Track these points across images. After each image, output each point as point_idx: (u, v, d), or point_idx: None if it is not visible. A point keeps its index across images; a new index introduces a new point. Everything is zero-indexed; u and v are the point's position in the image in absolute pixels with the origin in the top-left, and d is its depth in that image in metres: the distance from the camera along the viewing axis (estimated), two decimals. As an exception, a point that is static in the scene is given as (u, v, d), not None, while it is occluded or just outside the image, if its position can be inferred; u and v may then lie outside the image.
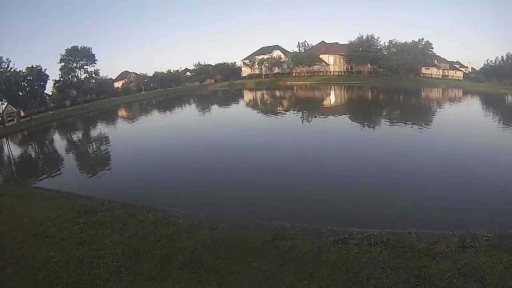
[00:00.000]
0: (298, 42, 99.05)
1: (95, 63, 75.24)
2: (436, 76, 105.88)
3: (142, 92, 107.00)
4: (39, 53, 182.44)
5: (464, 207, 13.16)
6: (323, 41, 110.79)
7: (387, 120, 36.37)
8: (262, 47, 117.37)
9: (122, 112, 64.89)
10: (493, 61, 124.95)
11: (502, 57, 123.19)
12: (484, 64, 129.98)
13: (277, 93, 74.64)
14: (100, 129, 44.56)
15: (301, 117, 39.50)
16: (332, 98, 63.28)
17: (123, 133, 38.10)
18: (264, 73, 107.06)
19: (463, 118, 39.71)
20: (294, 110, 46.52)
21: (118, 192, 14.99)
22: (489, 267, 6.72)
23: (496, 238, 8.59)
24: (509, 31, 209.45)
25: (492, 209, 12.94)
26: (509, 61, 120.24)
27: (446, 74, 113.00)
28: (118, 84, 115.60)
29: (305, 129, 31.42)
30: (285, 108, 48.90)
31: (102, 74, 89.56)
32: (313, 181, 16.07)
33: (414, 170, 17.70)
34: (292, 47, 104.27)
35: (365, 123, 33.68)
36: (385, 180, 16.15)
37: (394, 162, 19.30)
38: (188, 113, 54.08)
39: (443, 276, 6.29)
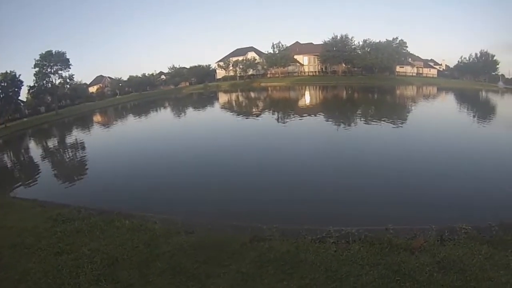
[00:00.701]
0: (273, 43, 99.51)
1: (70, 68, 73.75)
2: (411, 74, 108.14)
3: (117, 96, 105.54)
4: (12, 58, 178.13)
5: (442, 201, 13.39)
6: (297, 41, 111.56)
7: (363, 118, 36.84)
8: (237, 49, 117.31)
9: (97, 118, 63.97)
10: (467, 58, 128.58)
11: (476, 54, 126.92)
12: (458, 61, 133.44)
13: (252, 94, 74.89)
14: (76, 135, 43.65)
15: (276, 118, 39.77)
16: (307, 98, 63.93)
17: (98, 139, 37.53)
18: (238, 75, 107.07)
19: (438, 114, 40.75)
20: (269, 111, 46.77)
21: (94, 199, 14.88)
22: (468, 259, 6.87)
23: (474, 231, 8.79)
24: (482, 28, 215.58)
25: (469, 203, 13.35)
26: (483, 58, 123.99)
27: (421, 72, 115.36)
28: (93, 89, 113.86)
29: (280, 129, 31.60)
30: (259, 110, 49.02)
31: (76, 79, 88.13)
32: (289, 181, 16.18)
33: (390, 167, 18.00)
34: (267, 49, 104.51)
35: (341, 122, 33.88)
36: (361, 178, 16.33)
37: (369, 159, 19.53)
38: (162, 117, 53.85)
39: (422, 269, 6.35)
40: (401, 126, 30.67)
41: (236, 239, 7.98)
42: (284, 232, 8.44)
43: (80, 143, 35.10)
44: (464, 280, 6.22)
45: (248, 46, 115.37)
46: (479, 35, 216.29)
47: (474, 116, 39.69)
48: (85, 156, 28.07)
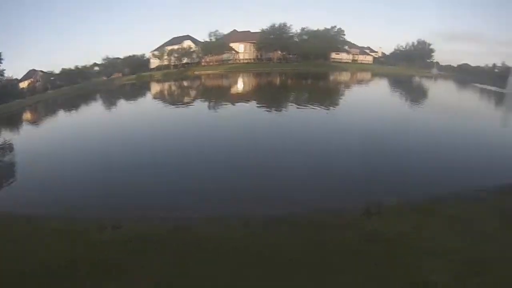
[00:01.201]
0: (210, 32, 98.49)
1: (1, 63, 69.43)
2: (346, 61, 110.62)
3: (48, 91, 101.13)
4: None
5: (369, 178, 14.16)
6: (234, 29, 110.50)
7: (293, 104, 37.25)
8: (173, 38, 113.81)
9: (26, 115, 60.44)
10: (404, 46, 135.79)
11: (413, 43, 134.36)
12: (395, 49, 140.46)
13: (185, 83, 73.10)
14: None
15: (207, 106, 39.29)
16: (240, 86, 63.74)
17: (26, 139, 34.78)
18: (173, 64, 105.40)
19: (368, 98, 43.02)
20: (200, 99, 46.21)
21: (21, 202, 13.91)
22: (394, 230, 7.47)
23: (400, 203, 9.63)
24: (424, 18, 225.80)
25: (395, 179, 14.31)
26: (420, 46, 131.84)
27: (356, 58, 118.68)
28: (24, 85, 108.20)
29: (210, 118, 30.91)
30: (191, 98, 48.28)
31: (7, 74, 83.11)
32: (215, 168, 16.16)
33: (316, 149, 18.67)
34: (204, 37, 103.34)
35: (271, 108, 33.87)
36: (287, 161, 16.58)
37: (295, 142, 20.04)
38: (92, 111, 50.79)
39: (351, 243, 6.84)
40: (331, 110, 31.68)
41: (162, 229, 8.11)
42: (209, 220, 8.55)
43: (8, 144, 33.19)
44: (390, 249, 6.73)
45: (184, 34, 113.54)
46: (421, 25, 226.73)
47: (405, 100, 42.30)
48: (12, 158, 26.20)
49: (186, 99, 47.75)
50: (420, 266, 6.34)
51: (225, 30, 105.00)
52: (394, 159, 17.81)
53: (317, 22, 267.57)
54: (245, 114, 31.33)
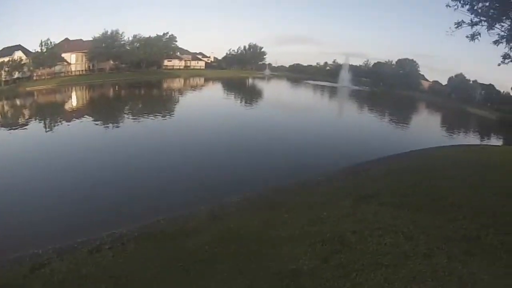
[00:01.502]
0: (41, 41, 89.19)
1: None
2: (178, 67, 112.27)
3: None
4: None
5: (208, 182, 14.83)
6: (67, 38, 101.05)
7: (130, 114, 36.97)
8: (4, 48, 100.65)
9: None
10: (235, 50, 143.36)
11: (245, 47, 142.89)
12: (227, 53, 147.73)
13: (18, 102, 66.30)
14: None
15: (43, 127, 35.92)
16: (73, 101, 59.62)
17: None
18: (4, 79, 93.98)
19: (201, 101, 45.74)
20: (35, 120, 41.94)
21: None
22: (244, 227, 7.88)
23: (245, 201, 10.32)
24: (251, 23, 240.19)
25: (237, 178, 15.48)
26: (251, 50, 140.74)
27: (188, 64, 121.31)
28: None
29: (46, 139, 27.81)
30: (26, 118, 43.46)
31: None
32: (42, 192, 14.57)
33: (154, 160, 18.89)
34: (35, 47, 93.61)
35: (107, 123, 32.40)
36: (120, 175, 16.62)
37: (142, 156, 19.82)
38: None
39: (202, 248, 7.02)
40: (168, 119, 32.45)
41: (18, 272, 7.44)
42: (61, 251, 8.05)
43: None
44: (244, 247, 7.11)
45: (15, 44, 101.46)
46: (253, 30, 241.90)
47: (239, 101, 46.08)
48: None
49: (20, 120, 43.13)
50: (283, 255, 6.88)
51: (58, 39, 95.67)
52: (238, 157, 19.47)
53: (150, 28, 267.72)
54: (79, 133, 28.78)
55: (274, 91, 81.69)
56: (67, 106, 51.13)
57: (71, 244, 8.37)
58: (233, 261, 6.69)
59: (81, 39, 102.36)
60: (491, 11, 21.33)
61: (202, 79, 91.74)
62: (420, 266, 6.84)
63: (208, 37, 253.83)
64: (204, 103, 44.99)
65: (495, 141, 47.54)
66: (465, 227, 9.04)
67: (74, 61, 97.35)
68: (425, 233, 8.46)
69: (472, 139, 42.76)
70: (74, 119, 35.55)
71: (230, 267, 6.49)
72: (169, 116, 33.67)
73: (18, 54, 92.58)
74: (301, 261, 6.67)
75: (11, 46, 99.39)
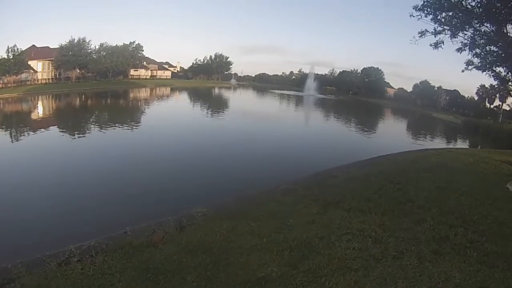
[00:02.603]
0: (8, 47, 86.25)
1: None
2: (145, 77, 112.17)
3: None
4: None
5: (174, 194, 14.75)
6: (33, 45, 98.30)
7: (96, 125, 36.07)
8: None
9: None
10: (202, 60, 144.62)
11: (211, 56, 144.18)
12: (193, 63, 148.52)
13: None
14: None
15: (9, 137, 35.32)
16: (39, 111, 56.48)
17: None
18: None
19: (167, 112, 45.50)
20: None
21: None
22: (211, 237, 7.86)
23: (211, 210, 10.13)
24: (217, 34, 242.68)
25: (199, 189, 15.36)
26: (217, 59, 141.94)
27: (155, 74, 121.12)
28: None
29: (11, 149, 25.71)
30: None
31: None
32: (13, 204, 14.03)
33: (116, 172, 18.62)
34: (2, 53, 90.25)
35: (73, 133, 31.26)
36: (95, 188, 16.05)
37: (101, 169, 19.27)
38: None
39: (170, 259, 6.91)
40: (134, 129, 32.03)
41: None
42: (29, 265, 7.71)
43: None
44: (212, 256, 7.06)
45: None
46: (219, 40, 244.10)
47: (204, 109, 46.36)
48: None
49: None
50: (251, 263, 6.86)
51: (24, 45, 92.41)
52: (203, 167, 19.33)
53: (116, 37, 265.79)
54: (44, 143, 27.52)
55: (240, 101, 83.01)
56: (33, 116, 49.71)
57: (40, 257, 8.01)
58: (201, 271, 6.61)
59: (48, 47, 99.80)
60: (454, 20, 22.05)
61: (169, 89, 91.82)
62: (390, 268, 6.93)
63: (175, 47, 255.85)
64: (170, 114, 45.12)
65: (461, 144, 48.93)
66: (434, 228, 9.24)
67: (40, 69, 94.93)
68: (394, 236, 8.60)
69: (439, 143, 43.79)
70: (40, 129, 34.36)
71: (198, 277, 6.41)
72: (135, 127, 33.15)
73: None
74: (270, 268, 6.69)
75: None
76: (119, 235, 8.73)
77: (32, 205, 13.87)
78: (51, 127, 35.59)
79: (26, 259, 8.05)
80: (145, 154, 22.29)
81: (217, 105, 60.43)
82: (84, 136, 29.91)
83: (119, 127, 32.71)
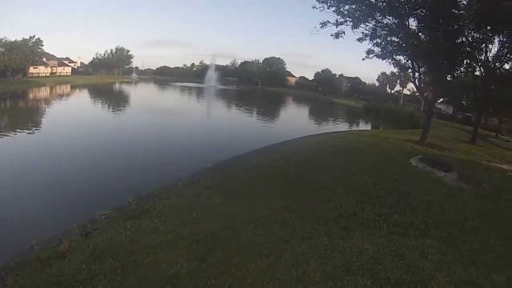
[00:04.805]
0: None
1: None
2: (44, 74, 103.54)
3: None
4: None
5: (78, 197, 13.77)
6: None
7: None
8: None
9: None
10: (102, 54, 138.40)
11: (112, 50, 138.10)
12: (93, 57, 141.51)
13: None
14: None
15: None
16: None
17: None
18: None
19: (65, 113, 42.45)
20: None
21: None
22: (116, 240, 7.53)
23: (115, 212, 9.85)
24: (118, 27, 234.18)
25: (102, 189, 14.63)
26: (117, 53, 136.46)
27: (55, 71, 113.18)
28: None
29: None
30: None
31: None
32: None
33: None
34: None
35: None
36: None
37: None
38: None
39: (79, 268, 6.51)
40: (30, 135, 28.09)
41: None
42: None
43: None
44: (120, 260, 6.71)
45: None
46: (121, 33, 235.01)
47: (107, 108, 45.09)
48: None
49: None
50: (160, 262, 6.67)
51: None
52: (102, 168, 18.35)
53: (14, 31, 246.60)
54: None
55: (139, 96, 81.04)
56: None
57: None
58: (111, 277, 6.26)
59: None
60: (357, 12, 23.22)
61: (69, 87, 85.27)
62: (301, 249, 7.01)
63: (75, 40, 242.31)
64: (68, 114, 42.08)
65: (364, 127, 51.71)
66: (340, 205, 9.56)
67: None
68: (301, 218, 8.75)
69: (341, 127, 46.08)
70: None
71: (109, 283, 6.10)
72: (30, 132, 29.66)
73: None
74: (179, 264, 6.52)
75: None
76: (26, 251, 8.30)
77: None
78: None
79: None
80: (37, 159, 20.18)
81: (116, 102, 57.88)
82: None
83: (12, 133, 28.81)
